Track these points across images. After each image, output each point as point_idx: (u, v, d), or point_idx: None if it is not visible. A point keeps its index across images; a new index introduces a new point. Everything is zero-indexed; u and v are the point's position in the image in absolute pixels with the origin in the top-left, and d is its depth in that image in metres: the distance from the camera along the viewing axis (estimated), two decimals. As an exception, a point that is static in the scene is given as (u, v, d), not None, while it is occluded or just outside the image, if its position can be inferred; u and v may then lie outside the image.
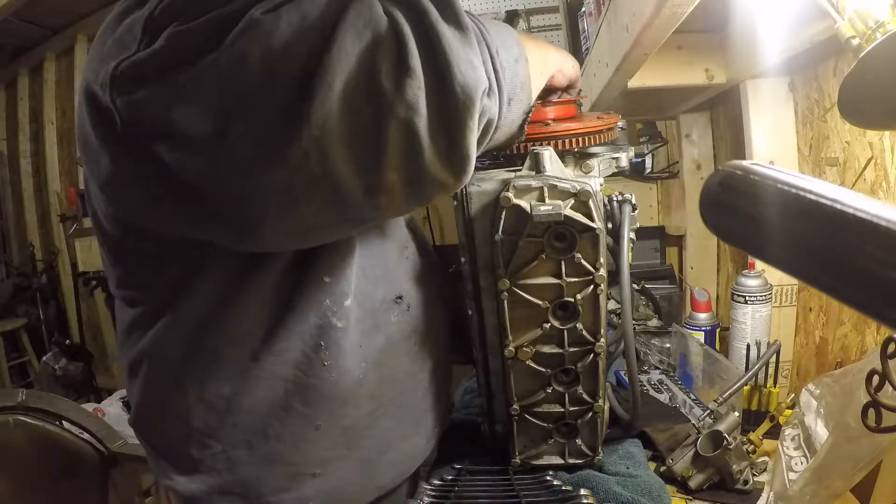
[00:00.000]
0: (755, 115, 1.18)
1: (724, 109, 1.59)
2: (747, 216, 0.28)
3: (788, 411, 0.89)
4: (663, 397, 1.06)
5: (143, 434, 0.77)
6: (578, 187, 0.64)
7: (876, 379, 0.56)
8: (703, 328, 1.24)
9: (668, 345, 1.24)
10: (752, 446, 0.87)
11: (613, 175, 0.81)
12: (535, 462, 0.81)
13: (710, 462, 0.83)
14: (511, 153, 0.70)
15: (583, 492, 0.70)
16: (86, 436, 1.33)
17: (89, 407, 2.14)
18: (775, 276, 1.12)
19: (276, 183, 0.48)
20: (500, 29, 0.58)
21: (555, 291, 0.70)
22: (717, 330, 1.26)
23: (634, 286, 0.90)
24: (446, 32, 0.48)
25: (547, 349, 0.73)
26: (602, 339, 0.72)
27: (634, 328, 0.78)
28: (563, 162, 0.69)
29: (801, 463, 0.79)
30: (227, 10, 0.48)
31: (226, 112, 0.47)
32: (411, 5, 0.49)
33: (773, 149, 1.18)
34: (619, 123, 0.78)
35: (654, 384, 1.10)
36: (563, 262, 0.68)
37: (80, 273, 3.38)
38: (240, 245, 0.58)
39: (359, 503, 0.75)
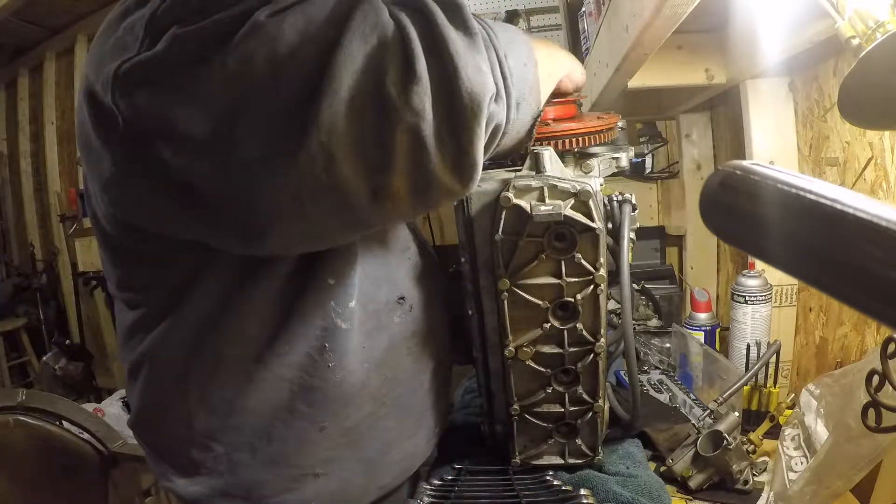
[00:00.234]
0: (755, 115, 1.18)
1: (724, 109, 1.59)
2: (747, 216, 0.28)
3: (788, 411, 0.89)
4: (663, 397, 1.06)
5: (144, 436, 0.77)
6: (578, 187, 0.64)
7: (876, 379, 0.56)
8: (703, 328, 1.24)
9: (668, 345, 1.24)
10: (752, 446, 0.87)
11: (613, 175, 0.81)
12: (535, 462, 0.81)
13: (710, 462, 0.83)
14: (506, 157, 0.70)
15: (583, 492, 0.70)
16: (86, 436, 1.33)
17: (89, 407, 2.14)
18: (775, 276, 1.12)
19: (282, 187, 0.48)
20: (508, 32, 0.57)
21: (555, 291, 0.70)
22: (717, 330, 1.26)
23: (634, 286, 0.90)
24: (453, 37, 0.48)
25: (547, 349, 0.73)
26: (602, 339, 0.72)
27: (634, 328, 0.78)
28: (563, 162, 0.69)
29: (801, 463, 0.79)
30: (231, 12, 0.47)
31: (230, 115, 0.47)
32: (418, 9, 0.48)
33: (773, 149, 1.18)
34: (619, 123, 0.78)
35: (654, 384, 1.10)
36: (563, 262, 0.68)
37: (80, 273, 3.38)
38: (243, 249, 0.58)
39: (360, 503, 0.75)
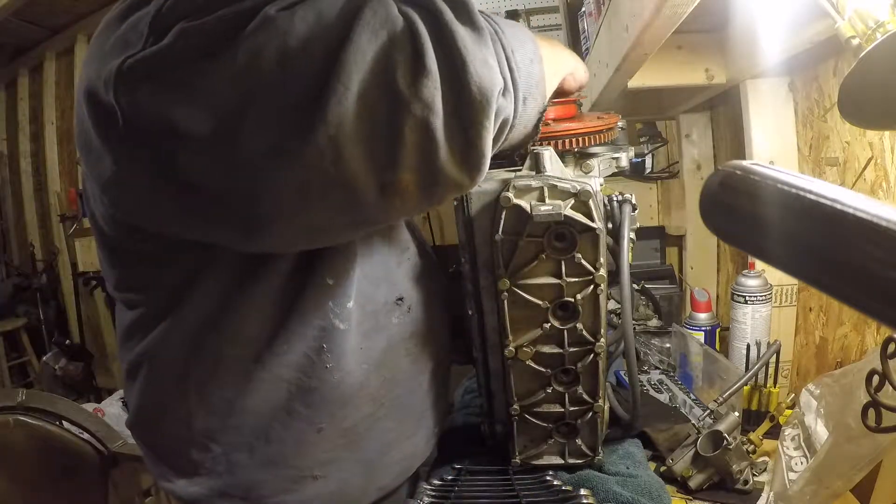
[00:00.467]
0: (755, 115, 1.18)
1: (724, 109, 1.59)
2: (747, 216, 0.28)
3: (788, 411, 0.89)
4: (663, 397, 1.06)
5: (142, 437, 0.76)
6: (578, 187, 0.64)
7: (876, 379, 0.56)
8: (703, 328, 1.24)
9: (668, 345, 1.24)
10: (752, 446, 0.87)
11: (613, 175, 0.81)
12: (535, 462, 0.81)
13: (710, 462, 0.83)
14: (511, 153, 0.70)
15: (583, 492, 0.70)
16: (86, 436, 1.33)
17: (89, 407, 2.14)
18: (775, 276, 1.12)
19: (289, 182, 0.48)
20: (514, 28, 0.57)
21: (555, 291, 0.70)
22: (717, 330, 1.26)
23: (634, 286, 0.89)
24: (461, 32, 0.48)
25: (547, 349, 0.73)
26: (602, 339, 0.72)
27: (634, 328, 0.78)
28: (563, 162, 0.69)
29: (801, 463, 0.79)
30: (241, 7, 0.47)
31: (238, 110, 0.47)
32: (426, 6, 0.49)
33: (773, 149, 1.18)
34: (619, 123, 0.78)
35: (654, 384, 1.10)
36: (563, 262, 0.68)
37: (80, 273, 3.38)
38: (245, 246, 0.58)
39: None
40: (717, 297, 1.70)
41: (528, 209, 0.64)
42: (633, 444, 0.87)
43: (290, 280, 0.65)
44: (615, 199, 0.74)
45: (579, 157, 0.74)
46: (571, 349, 0.72)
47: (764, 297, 1.10)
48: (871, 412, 0.57)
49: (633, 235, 0.74)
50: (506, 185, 0.66)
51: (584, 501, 0.68)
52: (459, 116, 0.48)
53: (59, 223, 3.51)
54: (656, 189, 1.90)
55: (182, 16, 0.49)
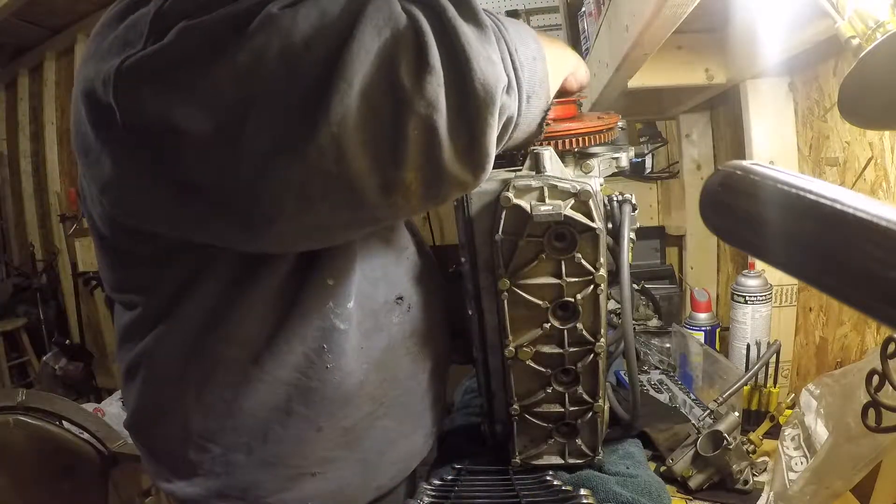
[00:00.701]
0: (755, 115, 1.18)
1: (724, 109, 1.59)
2: (747, 216, 0.28)
3: (788, 411, 0.89)
4: (663, 397, 1.06)
5: (140, 437, 0.76)
6: (578, 187, 0.64)
7: (876, 379, 0.56)
8: (703, 328, 1.24)
9: (668, 345, 1.24)
10: (752, 446, 0.87)
11: (613, 175, 0.81)
12: (535, 462, 0.81)
13: (710, 462, 0.83)
14: (511, 153, 0.70)
15: (583, 492, 0.70)
16: (86, 436, 1.33)
17: (89, 407, 2.13)
18: (775, 276, 1.12)
19: (291, 181, 0.48)
20: (518, 27, 0.57)
21: (555, 291, 0.70)
22: (717, 330, 1.26)
23: (634, 286, 0.89)
24: (465, 29, 0.48)
25: (547, 349, 0.73)
26: (602, 339, 0.72)
27: (634, 328, 0.78)
28: (563, 162, 0.69)
29: (801, 463, 0.79)
30: (243, 5, 0.47)
31: (240, 108, 0.46)
32: (429, 3, 0.48)
33: (773, 149, 1.18)
34: (619, 123, 0.78)
35: (654, 384, 1.10)
36: (563, 262, 0.68)
37: (80, 273, 3.38)
38: (246, 246, 0.58)
39: (358, 503, 0.75)
40: (717, 297, 1.70)
41: (528, 209, 0.64)
42: (633, 444, 0.87)
43: (290, 281, 0.64)
44: (615, 199, 0.74)
45: (579, 157, 0.74)
46: (571, 349, 0.72)
47: (764, 297, 1.10)
48: (871, 412, 0.57)
49: (633, 235, 0.74)
50: (506, 184, 0.66)
51: (584, 501, 0.68)
52: (463, 114, 0.48)
53: (59, 223, 3.51)
54: (656, 189, 1.90)
55: (183, 14, 0.48)
